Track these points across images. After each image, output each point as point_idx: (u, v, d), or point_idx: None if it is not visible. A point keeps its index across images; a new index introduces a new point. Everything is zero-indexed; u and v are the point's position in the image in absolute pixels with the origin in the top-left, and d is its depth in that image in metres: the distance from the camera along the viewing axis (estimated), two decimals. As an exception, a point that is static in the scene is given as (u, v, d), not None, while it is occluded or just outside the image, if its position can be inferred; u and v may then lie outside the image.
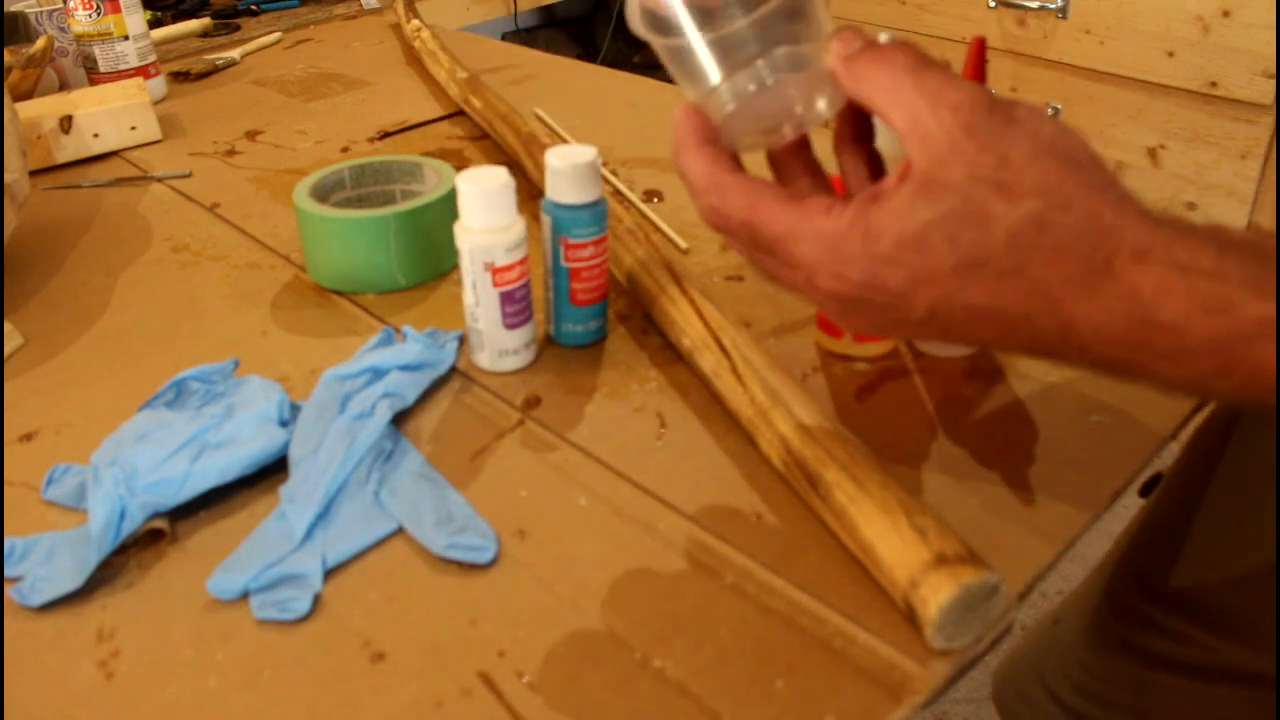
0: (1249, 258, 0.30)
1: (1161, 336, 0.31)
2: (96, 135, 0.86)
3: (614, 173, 0.77)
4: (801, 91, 0.38)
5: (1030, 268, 0.32)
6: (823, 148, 0.40)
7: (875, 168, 0.40)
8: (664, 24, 0.38)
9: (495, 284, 0.50)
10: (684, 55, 0.38)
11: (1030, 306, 0.32)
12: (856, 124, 0.40)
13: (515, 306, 0.52)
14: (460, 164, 0.80)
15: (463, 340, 0.56)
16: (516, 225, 0.50)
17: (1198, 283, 0.30)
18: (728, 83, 0.38)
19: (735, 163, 0.38)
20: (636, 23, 0.39)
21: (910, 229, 0.33)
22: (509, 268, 0.50)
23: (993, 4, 1.53)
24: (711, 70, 0.38)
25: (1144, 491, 0.61)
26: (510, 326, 0.52)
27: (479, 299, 0.51)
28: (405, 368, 0.51)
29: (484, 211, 0.49)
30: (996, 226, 0.32)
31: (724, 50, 0.38)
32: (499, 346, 0.53)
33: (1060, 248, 0.31)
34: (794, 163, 0.41)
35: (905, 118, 0.34)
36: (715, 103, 0.38)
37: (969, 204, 0.32)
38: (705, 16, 0.38)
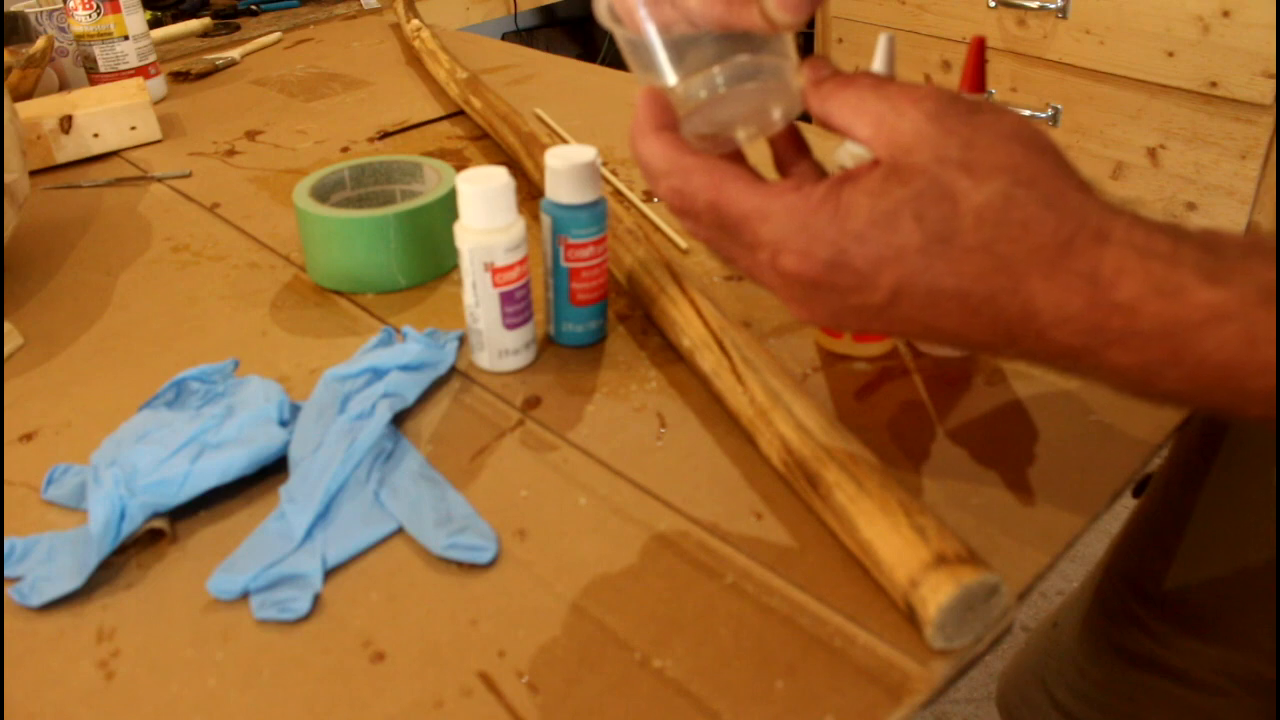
0: (1202, 246, 0.31)
1: (1116, 318, 0.31)
2: (96, 135, 0.86)
3: (614, 173, 0.77)
4: (757, 100, 0.38)
5: (996, 244, 0.32)
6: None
7: (820, 175, 0.40)
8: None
9: (495, 284, 0.50)
10: (643, 51, 0.38)
11: (994, 285, 0.32)
12: (793, 140, 0.41)
13: (515, 306, 0.52)
14: (460, 164, 0.80)
15: (463, 340, 0.56)
16: (516, 225, 0.50)
17: (1153, 265, 0.30)
18: (683, 85, 0.38)
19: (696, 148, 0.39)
20: (602, 13, 0.39)
21: (881, 207, 0.33)
22: (509, 268, 0.50)
23: (993, 4, 1.53)
24: (668, 71, 0.38)
25: (1136, 492, 0.62)
26: (510, 326, 0.52)
27: (479, 299, 0.51)
28: (405, 368, 0.51)
29: (484, 211, 0.49)
30: (963, 203, 0.32)
31: (681, 52, 0.38)
32: (499, 346, 0.53)
33: (1025, 222, 0.32)
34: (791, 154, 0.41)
35: (870, 124, 0.35)
36: (673, 100, 0.39)
37: (936, 183, 0.32)
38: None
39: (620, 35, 0.39)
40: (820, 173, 0.41)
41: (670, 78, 0.38)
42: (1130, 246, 0.31)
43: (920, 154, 0.33)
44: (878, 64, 0.48)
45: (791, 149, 0.41)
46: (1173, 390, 0.32)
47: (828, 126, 0.37)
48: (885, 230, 0.33)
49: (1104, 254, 0.31)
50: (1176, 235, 0.31)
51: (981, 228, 0.32)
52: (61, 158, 0.85)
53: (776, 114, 0.39)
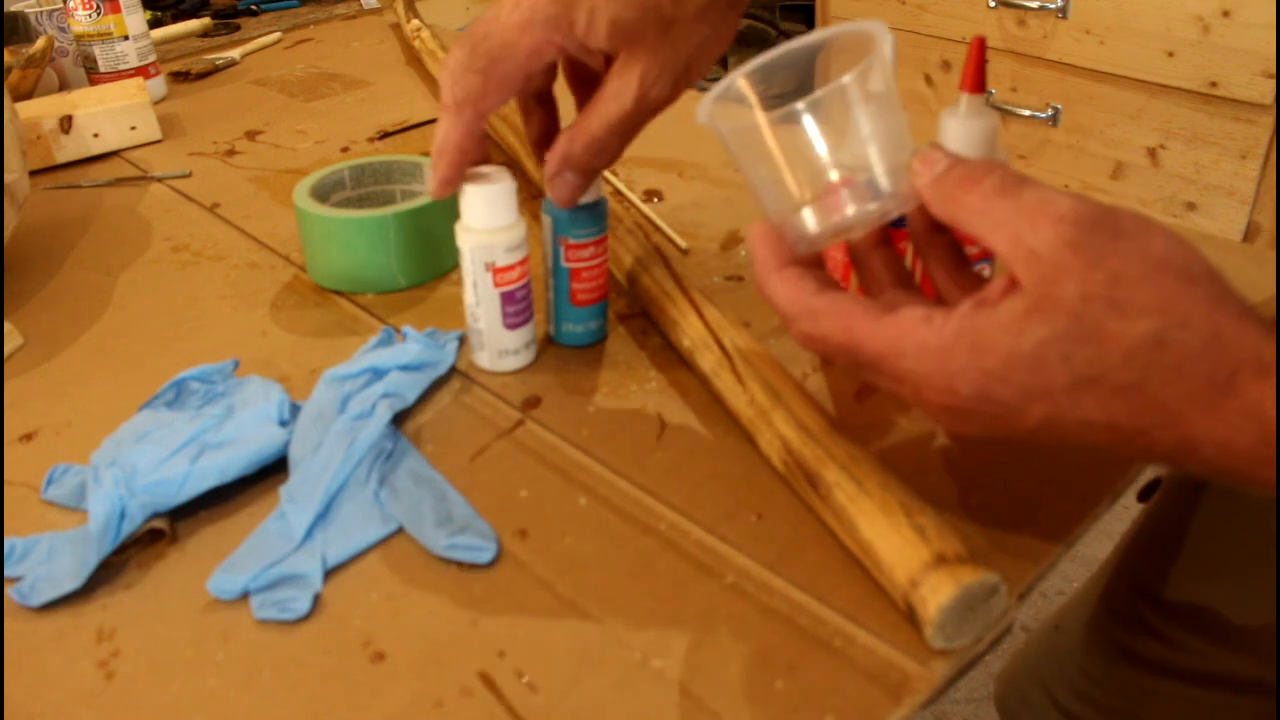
0: None
1: None
2: (96, 135, 0.86)
3: (614, 173, 0.77)
4: (878, 211, 0.38)
5: (1148, 385, 0.31)
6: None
7: (959, 257, 0.40)
8: (746, 130, 0.39)
9: (496, 284, 0.50)
10: (766, 172, 0.38)
11: (1148, 421, 0.32)
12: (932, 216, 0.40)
13: (516, 307, 0.52)
14: (460, 164, 0.80)
15: (463, 340, 0.56)
16: (517, 225, 0.50)
17: None
18: (810, 208, 0.38)
19: (820, 279, 0.39)
20: (706, 117, 0.39)
21: (1023, 347, 0.32)
22: (510, 268, 0.50)
23: (993, 4, 1.53)
24: (795, 190, 0.38)
25: (1143, 496, 0.62)
26: (511, 326, 0.52)
27: (479, 299, 0.51)
28: (405, 368, 0.51)
29: (485, 212, 0.49)
30: (1113, 345, 0.31)
31: (806, 171, 0.38)
32: (499, 346, 0.53)
33: (1180, 365, 0.31)
34: (879, 267, 0.41)
35: (1005, 240, 0.33)
36: (796, 223, 0.39)
37: (1083, 323, 0.31)
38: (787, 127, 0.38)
39: (745, 160, 0.39)
40: (913, 286, 0.41)
41: (797, 195, 0.38)
42: None
43: (1064, 288, 0.32)
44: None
45: (880, 265, 0.41)
46: None
47: (954, 228, 0.36)
48: (1029, 372, 0.32)
49: (1268, 389, 0.30)
50: None
51: (1131, 368, 0.31)
52: (61, 158, 0.85)
53: (894, 210, 0.39)
